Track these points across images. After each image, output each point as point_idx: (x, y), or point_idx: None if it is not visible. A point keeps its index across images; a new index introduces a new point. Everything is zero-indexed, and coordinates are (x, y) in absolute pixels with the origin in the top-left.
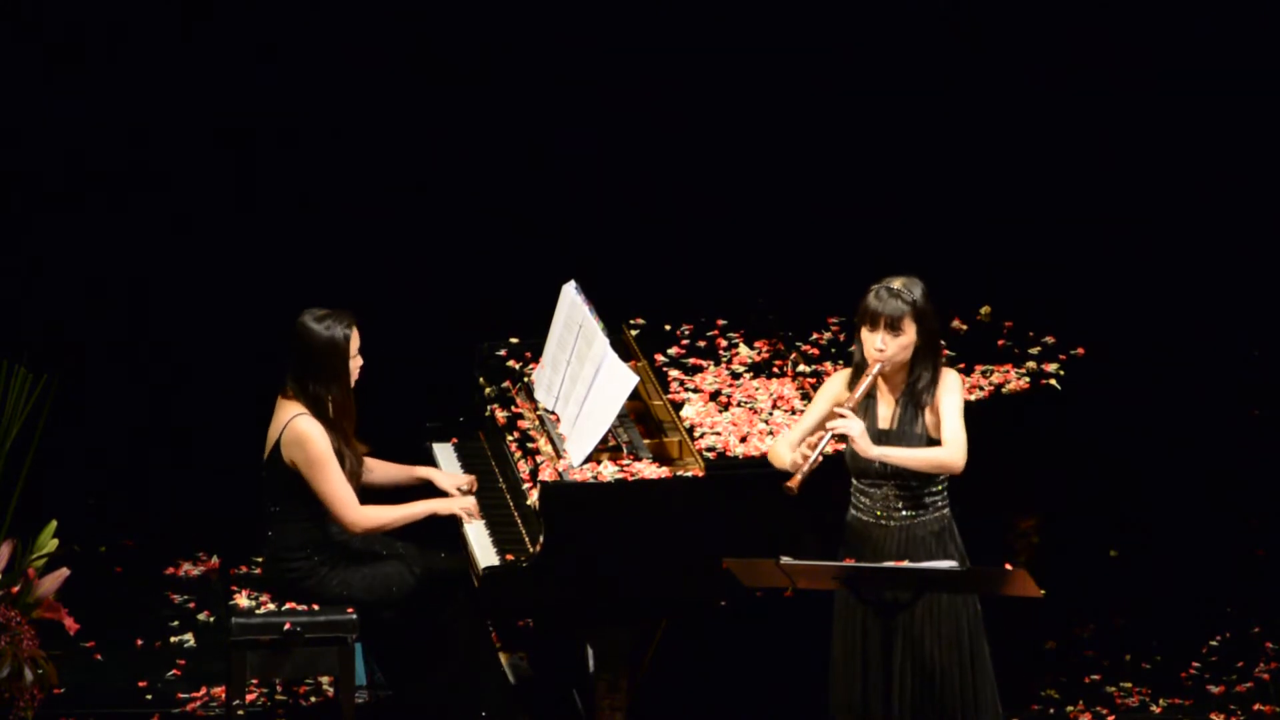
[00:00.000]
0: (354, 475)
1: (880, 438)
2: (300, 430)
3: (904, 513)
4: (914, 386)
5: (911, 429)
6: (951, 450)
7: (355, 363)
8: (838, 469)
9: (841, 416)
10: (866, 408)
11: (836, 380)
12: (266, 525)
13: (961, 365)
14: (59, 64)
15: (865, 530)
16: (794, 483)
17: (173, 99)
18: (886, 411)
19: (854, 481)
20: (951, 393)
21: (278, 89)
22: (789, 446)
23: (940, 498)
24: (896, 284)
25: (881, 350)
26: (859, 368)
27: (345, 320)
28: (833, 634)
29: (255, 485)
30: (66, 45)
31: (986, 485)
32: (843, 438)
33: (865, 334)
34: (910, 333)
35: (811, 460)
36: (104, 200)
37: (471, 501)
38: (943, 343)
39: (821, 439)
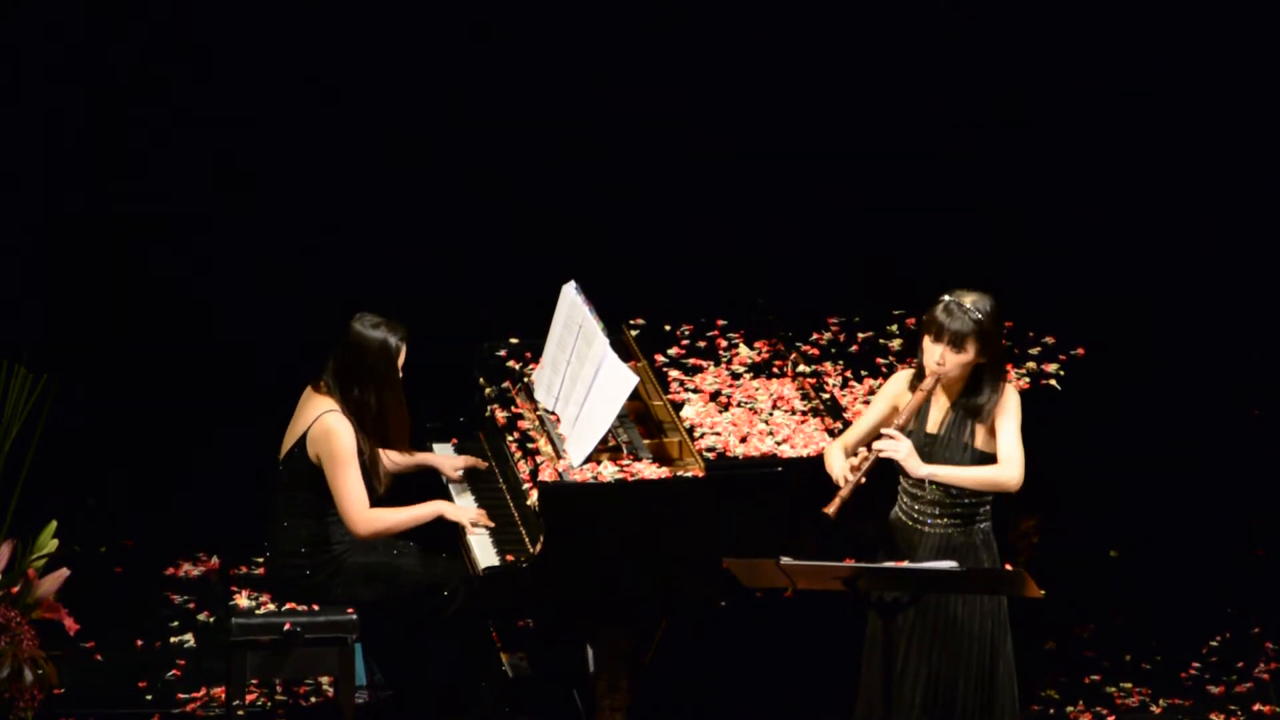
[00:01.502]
0: (374, 485)
1: (928, 442)
2: (329, 424)
3: (943, 520)
4: (973, 401)
5: (959, 437)
6: (1007, 469)
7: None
8: (885, 466)
9: (890, 438)
10: (920, 409)
11: (899, 380)
12: (272, 522)
13: None
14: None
15: (904, 531)
16: (831, 508)
17: (175, 99)
18: (938, 416)
19: (901, 480)
20: (1010, 413)
21: (276, 88)
22: (842, 453)
23: (982, 510)
24: (968, 300)
25: (940, 365)
26: (920, 372)
27: (400, 332)
28: (866, 645)
29: (255, 485)
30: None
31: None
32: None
33: (927, 343)
34: (971, 352)
35: (852, 484)
36: (103, 199)
37: (480, 513)
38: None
39: (866, 461)
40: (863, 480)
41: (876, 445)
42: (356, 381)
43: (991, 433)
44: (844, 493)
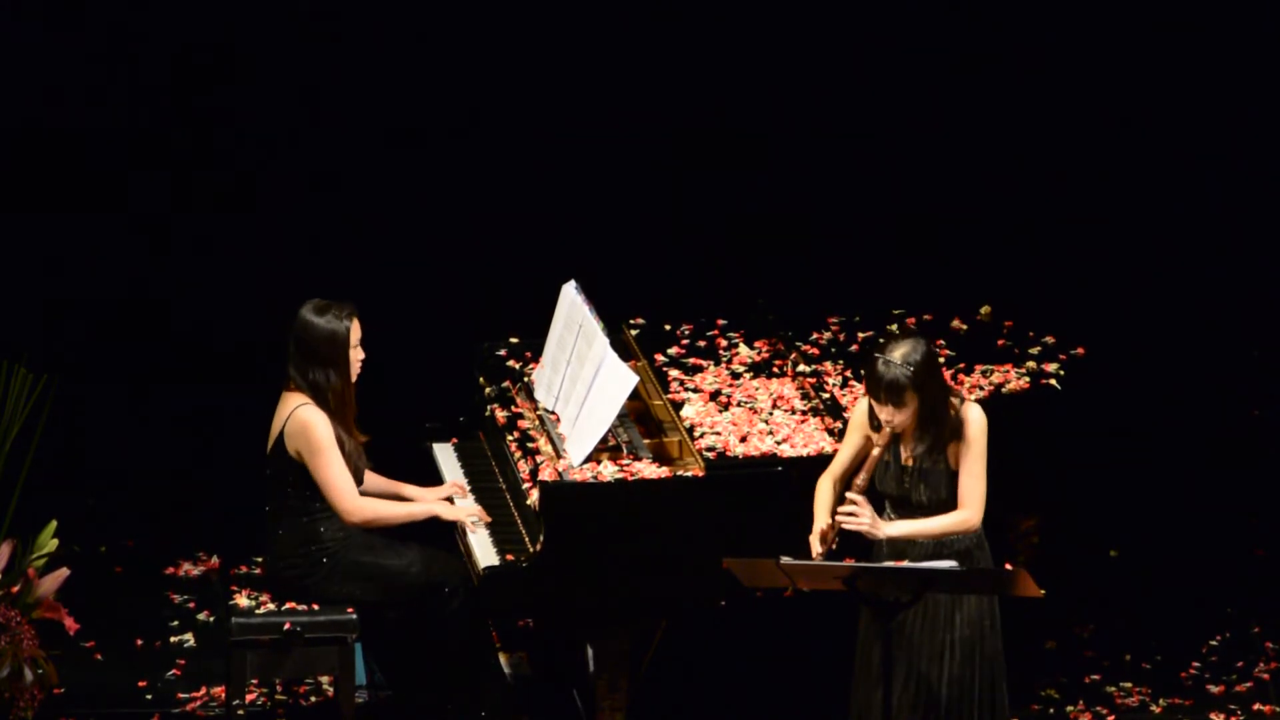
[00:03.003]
0: (355, 468)
1: (901, 473)
2: (303, 418)
3: None
4: (925, 440)
5: (933, 465)
6: (966, 514)
7: (356, 354)
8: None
9: (851, 508)
10: (887, 445)
11: (862, 409)
12: (268, 522)
13: (962, 365)
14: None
15: (896, 545)
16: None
17: (169, 107)
18: (906, 449)
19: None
20: (973, 449)
21: (277, 87)
22: (831, 487)
23: None
24: (896, 355)
25: (890, 422)
26: (877, 421)
27: (346, 311)
28: (858, 646)
29: (256, 484)
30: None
31: (987, 485)
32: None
33: (872, 402)
34: (913, 403)
35: (821, 554)
36: (103, 200)
37: (477, 509)
38: (953, 389)
39: (832, 530)
40: (834, 546)
41: (840, 518)
42: (311, 367)
43: (961, 462)
44: (818, 550)
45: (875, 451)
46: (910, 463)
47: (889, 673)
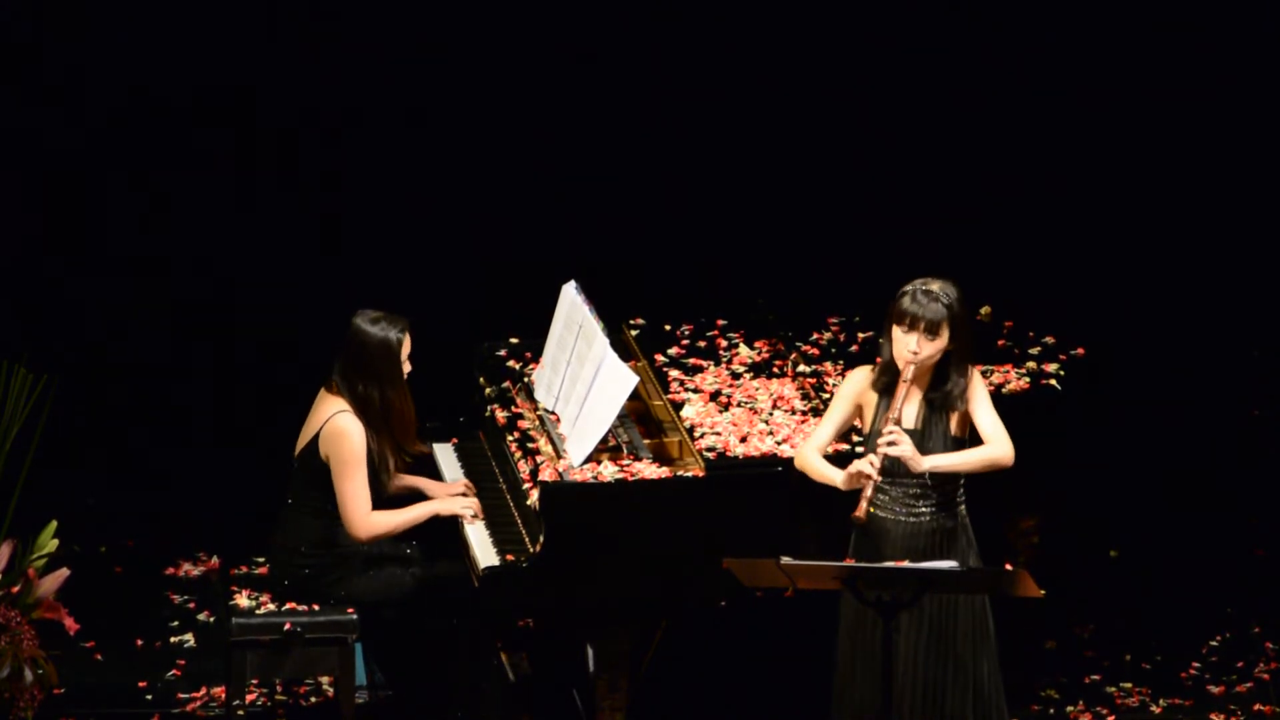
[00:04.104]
0: (382, 481)
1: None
2: (339, 426)
3: (921, 509)
4: (944, 390)
5: (936, 428)
6: (998, 446)
7: (404, 367)
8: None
9: (893, 436)
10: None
11: (858, 378)
12: (287, 514)
13: None
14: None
15: (879, 525)
16: (861, 511)
17: (167, 107)
18: (912, 410)
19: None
20: (983, 394)
21: (278, 89)
22: (819, 455)
23: (958, 495)
24: (935, 286)
25: (915, 354)
26: (888, 366)
27: (400, 325)
28: (839, 636)
29: (256, 485)
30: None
31: (987, 485)
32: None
33: (899, 334)
34: (945, 338)
35: (874, 484)
36: (102, 201)
37: (473, 501)
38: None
39: (877, 460)
40: (879, 480)
41: (883, 447)
42: (360, 378)
43: (964, 419)
44: (868, 493)
45: (902, 388)
46: (915, 425)
47: (889, 670)
